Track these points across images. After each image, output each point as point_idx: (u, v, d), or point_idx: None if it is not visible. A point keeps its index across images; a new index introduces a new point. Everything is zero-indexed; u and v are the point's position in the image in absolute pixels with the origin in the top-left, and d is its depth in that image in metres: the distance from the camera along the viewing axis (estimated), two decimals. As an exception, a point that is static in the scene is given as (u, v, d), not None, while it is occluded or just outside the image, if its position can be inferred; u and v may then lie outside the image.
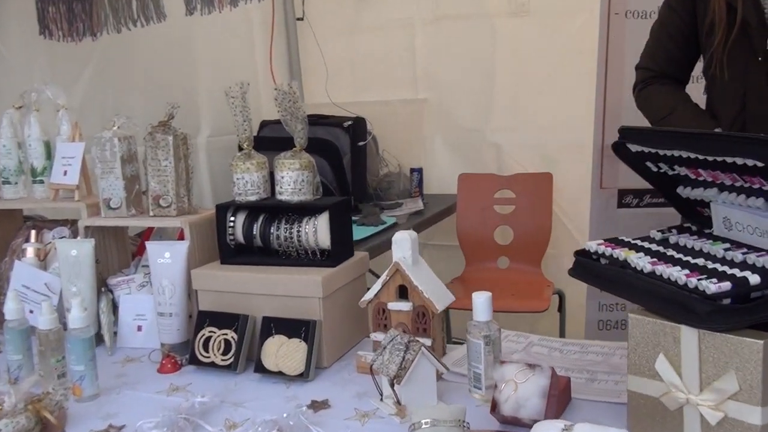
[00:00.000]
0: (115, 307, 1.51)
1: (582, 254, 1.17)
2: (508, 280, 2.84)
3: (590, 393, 1.13)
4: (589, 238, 2.62)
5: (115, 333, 1.49)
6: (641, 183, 2.63)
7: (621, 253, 1.08)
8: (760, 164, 0.91)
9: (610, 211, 2.58)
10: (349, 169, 2.78)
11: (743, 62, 1.37)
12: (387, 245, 2.40)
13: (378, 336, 1.26)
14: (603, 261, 1.12)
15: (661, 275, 0.98)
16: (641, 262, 1.03)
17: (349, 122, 2.82)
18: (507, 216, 2.94)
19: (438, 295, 1.24)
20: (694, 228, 1.18)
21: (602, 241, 1.16)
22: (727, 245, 1.06)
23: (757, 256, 0.98)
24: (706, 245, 1.07)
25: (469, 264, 2.94)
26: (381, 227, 2.45)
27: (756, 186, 0.99)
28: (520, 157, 3.03)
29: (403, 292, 1.25)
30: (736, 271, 0.94)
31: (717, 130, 1.36)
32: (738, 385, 0.85)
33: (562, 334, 2.78)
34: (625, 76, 2.49)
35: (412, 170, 3.06)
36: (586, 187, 2.77)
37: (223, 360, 1.29)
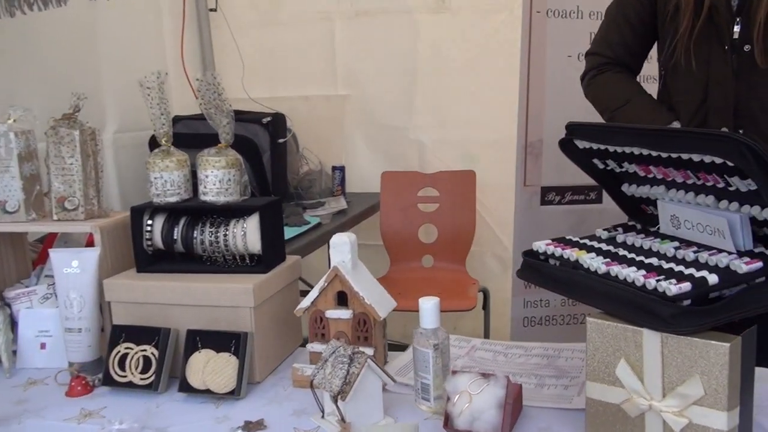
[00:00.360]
0: (13, 323, 1.33)
1: (530, 255, 1.12)
2: (433, 279, 2.81)
3: (541, 399, 1.09)
4: (513, 236, 2.63)
5: (14, 352, 1.32)
6: (563, 180, 2.69)
7: (572, 254, 1.04)
8: (718, 161, 0.89)
9: (533, 208, 2.60)
10: (269, 167, 2.66)
11: (707, 50, 1.32)
12: (311, 246, 2.31)
13: (315, 347, 1.17)
14: (552, 262, 1.08)
15: (616, 276, 0.95)
16: (594, 262, 0.99)
17: (268, 118, 2.69)
18: (431, 214, 2.91)
19: (380, 301, 1.16)
20: (639, 226, 1.16)
21: (550, 241, 1.12)
22: (677, 244, 1.04)
23: (710, 255, 0.97)
24: (655, 244, 1.05)
25: (394, 263, 2.89)
26: (304, 228, 2.35)
27: (709, 183, 0.97)
28: (442, 155, 3.00)
29: (342, 299, 1.17)
30: (693, 271, 0.91)
31: (675, 123, 1.34)
32: (703, 390, 0.83)
33: (486, 332, 2.77)
34: (547, 74, 2.51)
35: (334, 168, 2.97)
36: (508, 185, 2.77)
37: (142, 379, 1.16)
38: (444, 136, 2.98)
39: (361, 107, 3.09)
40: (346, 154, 3.12)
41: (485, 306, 2.75)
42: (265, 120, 2.68)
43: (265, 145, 2.67)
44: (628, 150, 1.02)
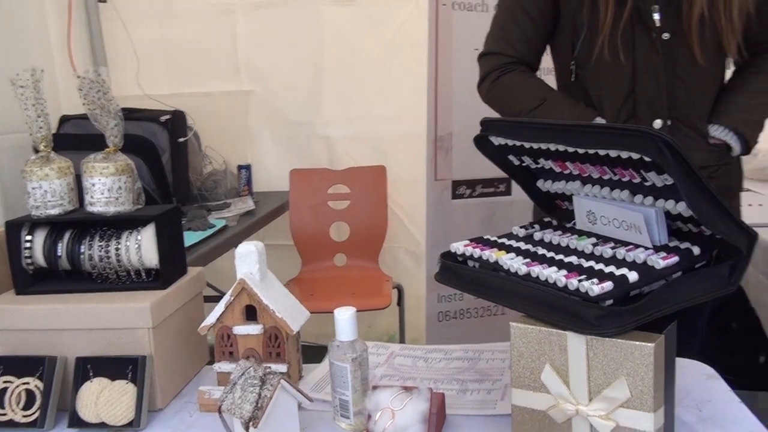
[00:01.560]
0: None
1: (447, 257, 1.07)
2: (346, 278, 2.75)
3: (464, 407, 1.05)
4: (425, 231, 2.61)
5: None
6: (473, 173, 2.68)
7: (491, 255, 1.01)
8: (635, 156, 0.87)
9: (444, 202, 2.59)
10: (169, 168, 2.50)
11: (631, 38, 1.26)
12: (218, 251, 2.19)
13: (223, 366, 1.08)
14: (471, 263, 1.04)
15: (537, 277, 0.92)
16: (515, 263, 0.96)
17: (167, 116, 2.53)
18: (342, 211, 2.85)
19: (292, 314, 1.09)
20: (555, 222, 1.14)
21: (468, 242, 1.08)
22: (594, 240, 1.02)
23: (627, 251, 0.95)
24: (573, 241, 1.03)
25: (306, 263, 2.81)
26: (210, 231, 2.22)
27: (625, 179, 0.96)
28: (352, 151, 2.95)
29: (251, 313, 1.08)
30: (613, 269, 0.89)
31: (598, 119, 1.30)
32: (629, 392, 0.80)
33: (402, 329, 2.75)
34: (454, 68, 2.50)
35: (240, 167, 2.85)
36: (419, 180, 2.75)
37: (25, 416, 1.03)
38: (353, 131, 2.92)
39: (267, 103, 2.98)
40: (252, 152, 3.00)
41: (400, 302, 2.72)
42: (163, 118, 2.52)
43: (164, 145, 2.51)
44: (544, 146, 0.99)
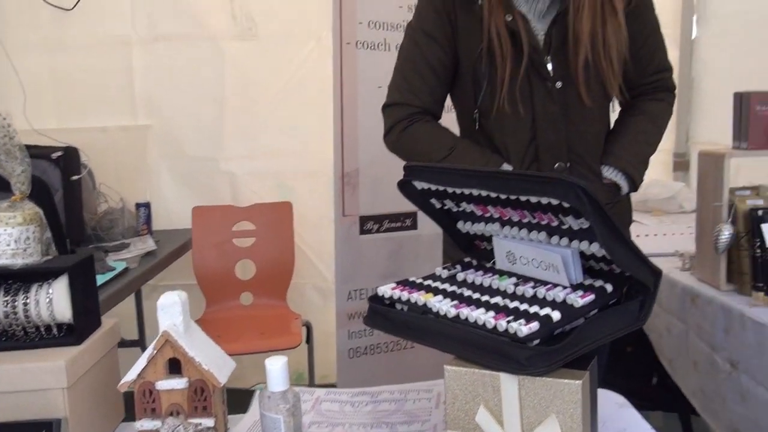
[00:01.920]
0: None
1: (375, 300, 1.09)
2: (253, 318, 2.70)
3: (396, 450, 1.06)
4: (334, 266, 2.61)
5: None
6: (381, 209, 2.72)
7: (420, 298, 1.03)
8: (555, 202, 0.93)
9: (352, 238, 2.60)
10: (61, 208, 2.37)
11: (528, 88, 1.32)
12: (119, 296, 2.08)
13: (146, 424, 1.03)
14: (400, 306, 1.06)
15: (467, 319, 0.95)
16: (444, 306, 0.98)
17: (59, 153, 2.40)
18: (247, 249, 2.80)
19: (218, 365, 1.05)
20: (475, 262, 1.18)
21: (395, 285, 1.10)
22: (515, 279, 1.07)
23: (547, 290, 1.00)
24: (495, 281, 1.07)
25: (210, 304, 2.73)
26: (110, 274, 2.12)
27: (544, 222, 1.01)
28: (256, 187, 2.92)
29: (174, 366, 1.04)
30: (537, 309, 0.94)
31: (505, 165, 1.36)
32: (560, 429, 0.84)
33: (311, 367, 2.72)
34: (360, 104, 2.54)
35: (138, 205, 2.74)
36: (326, 215, 2.76)
37: None
38: (257, 167, 2.90)
39: (166, 138, 2.90)
40: (150, 189, 2.90)
41: (309, 340, 2.69)
42: (54, 155, 2.39)
43: (56, 184, 2.37)
44: (466, 191, 1.04)
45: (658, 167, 2.92)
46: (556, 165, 1.37)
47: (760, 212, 1.49)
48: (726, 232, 1.53)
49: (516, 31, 1.29)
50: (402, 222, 2.64)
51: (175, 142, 2.90)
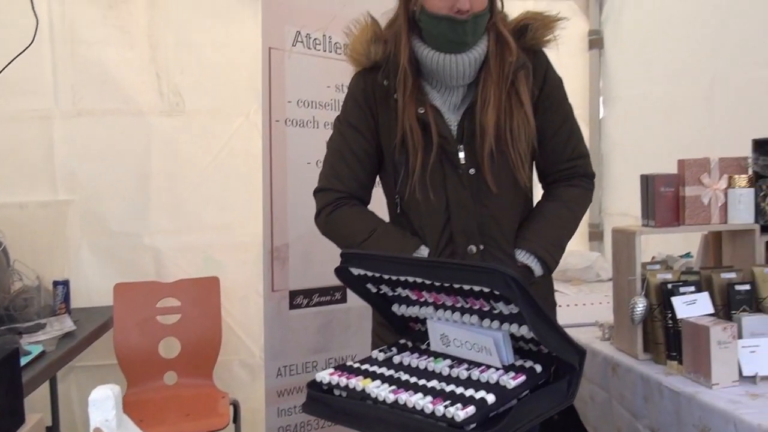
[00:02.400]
0: None
1: (314, 386, 1.09)
2: (178, 398, 2.60)
3: None
4: (263, 342, 2.57)
5: None
6: (310, 283, 2.73)
7: (358, 383, 1.05)
8: (486, 289, 0.98)
9: (282, 313, 2.58)
10: (-28, 289, 2.25)
11: (441, 176, 1.39)
12: (35, 382, 1.96)
13: None
14: (338, 392, 1.07)
15: (405, 404, 0.97)
16: (382, 392, 1.01)
17: (-29, 231, 2.30)
18: (172, 326, 2.72)
19: (152, 460, 1.02)
20: (410, 344, 1.21)
21: (333, 370, 1.11)
22: (449, 361, 1.11)
23: (480, 372, 1.04)
24: (430, 363, 1.11)
25: (132, 385, 2.62)
26: (25, 360, 2.01)
27: (476, 307, 1.06)
28: (182, 262, 2.86)
29: (105, 464, 1.00)
30: (472, 392, 0.98)
31: (423, 247, 1.38)
32: None
33: (238, 447, 2.63)
34: (289, 179, 2.57)
35: (56, 283, 2.62)
36: (255, 290, 2.73)
37: None
38: (184, 241, 2.85)
39: (88, 213, 2.81)
40: (70, 266, 2.79)
41: (236, 419, 2.61)
42: (-34, 233, 2.28)
43: (-34, 264, 2.26)
44: (402, 278, 1.08)
45: (576, 238, 3.03)
46: (469, 248, 1.40)
47: (669, 285, 1.59)
48: (640, 305, 1.62)
49: (427, 123, 1.38)
50: (332, 296, 2.65)
51: (97, 217, 2.82)
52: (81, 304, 2.72)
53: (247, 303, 2.87)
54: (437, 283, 1.04)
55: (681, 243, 2.26)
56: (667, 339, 1.60)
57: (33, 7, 2.50)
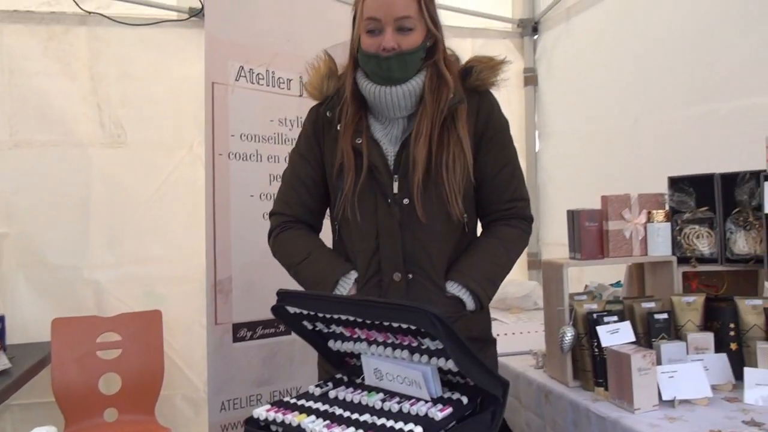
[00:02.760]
0: None
1: (251, 423, 1.12)
2: (118, 436, 2.56)
3: None
4: (207, 376, 2.56)
5: None
6: (254, 315, 2.73)
7: (293, 419, 1.08)
8: (413, 327, 1.03)
9: (225, 346, 2.58)
10: None
11: (373, 203, 1.44)
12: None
13: None
14: (275, 428, 1.10)
15: (338, 440, 1.01)
16: (316, 427, 1.04)
17: None
18: (113, 361, 2.69)
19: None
20: (346, 378, 1.25)
21: (269, 407, 1.14)
22: (381, 395, 1.15)
23: (411, 405, 1.09)
24: (364, 397, 1.15)
25: (71, 423, 2.57)
26: (-44, 401, 1.96)
27: (406, 343, 1.11)
28: (123, 295, 2.83)
29: (38, 508, 1.00)
30: (402, 425, 1.02)
31: (353, 272, 1.43)
32: None
33: (182, 483, 2.60)
34: (232, 213, 2.59)
35: (-10, 319, 2.57)
36: (198, 323, 2.72)
37: None
38: (125, 274, 2.83)
39: (24, 246, 2.76)
40: (5, 300, 2.73)
41: (179, 453, 2.59)
42: None
43: None
44: (335, 315, 1.12)
45: (515, 266, 3.16)
46: (395, 275, 1.44)
47: (595, 315, 1.68)
48: (569, 334, 1.70)
49: (361, 152, 1.45)
50: (276, 328, 2.66)
51: (34, 250, 2.77)
52: (17, 340, 2.67)
53: (190, 336, 2.85)
54: (368, 321, 1.09)
55: (612, 272, 2.38)
56: (594, 366, 1.68)
57: (-30, 39, 2.47)
